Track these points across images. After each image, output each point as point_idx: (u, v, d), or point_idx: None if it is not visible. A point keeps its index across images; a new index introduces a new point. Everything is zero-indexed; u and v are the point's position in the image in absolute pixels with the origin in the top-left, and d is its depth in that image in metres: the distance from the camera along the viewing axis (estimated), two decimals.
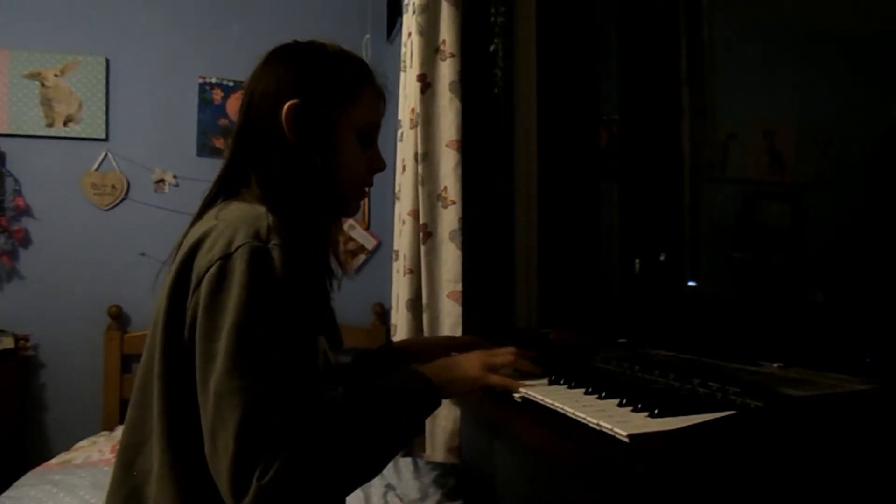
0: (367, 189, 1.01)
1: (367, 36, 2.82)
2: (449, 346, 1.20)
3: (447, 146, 1.65)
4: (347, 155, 0.93)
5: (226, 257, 0.77)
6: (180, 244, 0.87)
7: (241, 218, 0.82)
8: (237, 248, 0.77)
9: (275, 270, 0.78)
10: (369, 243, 2.91)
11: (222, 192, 0.94)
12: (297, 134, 0.89)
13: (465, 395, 0.98)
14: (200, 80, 2.75)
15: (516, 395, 0.92)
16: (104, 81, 2.66)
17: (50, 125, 2.60)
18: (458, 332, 1.60)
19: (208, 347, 0.75)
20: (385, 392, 0.86)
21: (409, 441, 0.95)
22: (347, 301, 1.09)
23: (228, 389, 0.72)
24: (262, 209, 0.84)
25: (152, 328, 0.86)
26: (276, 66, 0.94)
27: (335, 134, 0.92)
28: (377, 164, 0.98)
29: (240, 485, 0.70)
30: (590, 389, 0.89)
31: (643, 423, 0.70)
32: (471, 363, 0.94)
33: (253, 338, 0.74)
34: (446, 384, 0.90)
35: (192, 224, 0.91)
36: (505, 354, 0.98)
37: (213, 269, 0.77)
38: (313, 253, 0.96)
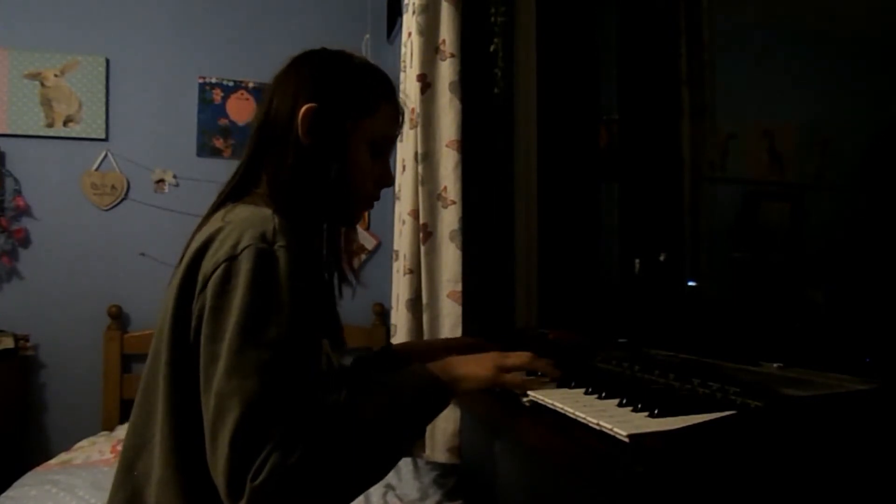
0: (372, 202, 1.01)
1: (367, 36, 2.82)
2: (450, 349, 1.19)
3: (447, 146, 1.65)
4: (357, 164, 0.94)
5: (231, 259, 0.78)
6: (188, 246, 0.87)
7: (247, 220, 0.82)
8: (242, 250, 0.78)
9: (279, 272, 0.78)
10: (369, 243, 2.91)
11: (235, 190, 0.95)
12: (312, 137, 0.90)
13: (474, 392, 0.96)
14: (200, 80, 2.75)
15: (524, 399, 0.91)
16: (104, 81, 2.66)
17: (50, 125, 2.60)
18: (458, 333, 1.60)
19: (212, 348, 0.75)
20: (390, 390, 0.84)
21: (415, 442, 0.94)
22: (347, 301, 1.09)
23: (228, 390, 0.72)
24: (268, 211, 0.84)
25: (158, 330, 0.85)
26: (300, 69, 0.95)
27: (348, 142, 0.93)
28: (385, 178, 0.99)
29: (236, 486, 0.70)
30: (590, 389, 0.89)
31: (643, 423, 0.70)
32: (482, 362, 0.92)
33: (256, 339, 0.74)
34: (455, 381, 0.88)
35: (201, 225, 0.91)
36: (519, 356, 0.96)
37: (218, 271, 0.78)
38: (319, 255, 0.96)
